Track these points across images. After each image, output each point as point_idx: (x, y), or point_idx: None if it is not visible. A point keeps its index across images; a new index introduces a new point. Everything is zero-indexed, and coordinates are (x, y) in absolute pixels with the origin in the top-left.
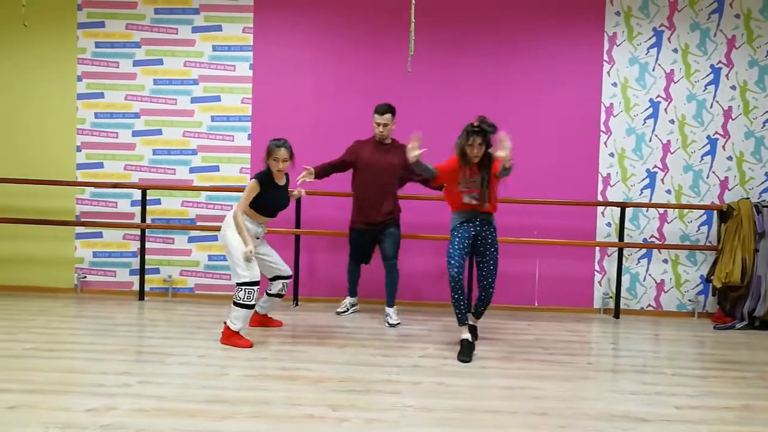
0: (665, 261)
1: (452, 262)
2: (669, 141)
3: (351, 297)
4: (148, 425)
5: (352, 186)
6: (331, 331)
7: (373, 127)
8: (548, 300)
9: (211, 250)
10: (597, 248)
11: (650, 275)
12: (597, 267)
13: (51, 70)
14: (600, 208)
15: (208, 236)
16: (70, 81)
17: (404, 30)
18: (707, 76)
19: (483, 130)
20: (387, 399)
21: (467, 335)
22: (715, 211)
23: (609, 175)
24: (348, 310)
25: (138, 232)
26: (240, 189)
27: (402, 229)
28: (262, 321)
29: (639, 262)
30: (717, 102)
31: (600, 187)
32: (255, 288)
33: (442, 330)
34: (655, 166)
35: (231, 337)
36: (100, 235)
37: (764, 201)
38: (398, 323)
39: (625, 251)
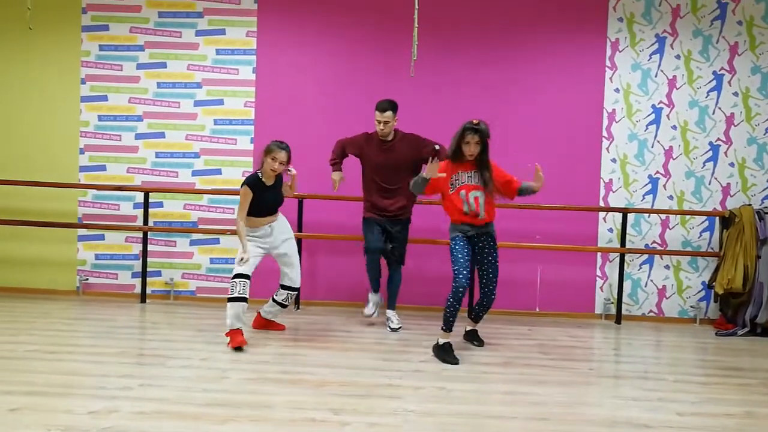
0: (667, 267)
1: (463, 272)
2: (671, 147)
3: (374, 294)
4: (150, 428)
5: (362, 180)
6: (332, 335)
7: (375, 124)
8: (550, 305)
9: (213, 253)
10: (599, 254)
11: (652, 281)
12: (599, 272)
13: (55, 72)
14: (602, 214)
15: (210, 239)
16: (73, 83)
17: (407, 33)
18: (710, 82)
19: (480, 130)
20: (388, 403)
21: (449, 340)
22: (717, 218)
23: (611, 180)
24: (375, 311)
25: (140, 234)
26: None
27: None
28: (264, 324)
29: (641, 267)
30: (719, 108)
31: (602, 192)
32: (245, 281)
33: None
34: (657, 172)
35: (231, 335)
36: (102, 237)
37: (766, 207)
38: (399, 327)
39: (627, 257)
